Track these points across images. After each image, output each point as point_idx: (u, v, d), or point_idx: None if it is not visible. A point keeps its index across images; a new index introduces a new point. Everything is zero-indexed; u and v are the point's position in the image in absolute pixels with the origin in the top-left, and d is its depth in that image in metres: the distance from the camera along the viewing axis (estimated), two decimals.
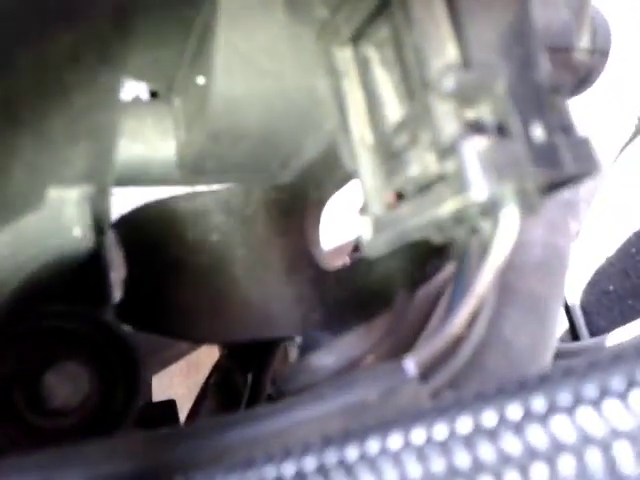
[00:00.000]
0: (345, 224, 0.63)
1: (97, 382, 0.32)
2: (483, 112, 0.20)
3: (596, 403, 0.17)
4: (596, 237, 0.86)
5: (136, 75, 0.30)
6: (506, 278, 0.40)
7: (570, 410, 0.17)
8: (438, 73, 0.19)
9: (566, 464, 0.16)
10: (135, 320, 0.36)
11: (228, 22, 0.25)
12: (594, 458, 0.16)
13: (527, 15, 0.21)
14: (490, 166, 0.19)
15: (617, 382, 0.17)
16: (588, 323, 0.86)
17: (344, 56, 0.24)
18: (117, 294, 0.38)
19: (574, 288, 0.89)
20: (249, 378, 0.54)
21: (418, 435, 0.17)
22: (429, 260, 0.32)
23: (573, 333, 0.87)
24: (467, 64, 0.20)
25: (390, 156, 0.23)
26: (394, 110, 0.23)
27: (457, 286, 0.22)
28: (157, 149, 0.31)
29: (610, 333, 0.73)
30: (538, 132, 0.20)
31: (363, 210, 0.24)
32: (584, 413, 0.17)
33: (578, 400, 0.17)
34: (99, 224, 0.29)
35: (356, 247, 0.58)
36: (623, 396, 0.17)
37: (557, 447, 0.16)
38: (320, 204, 0.39)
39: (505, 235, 0.21)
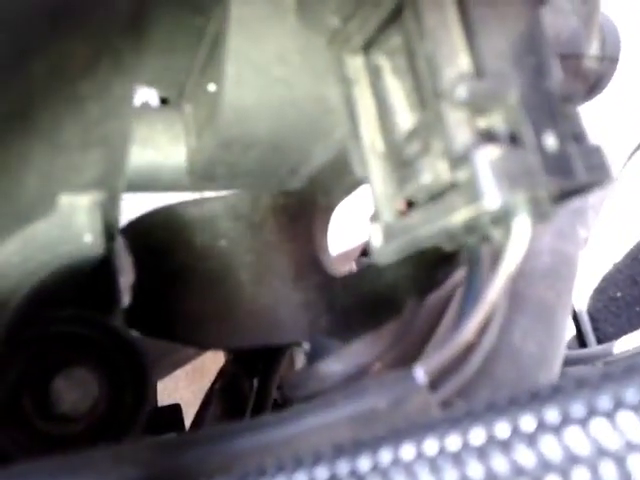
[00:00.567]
0: (353, 229, 0.63)
1: (106, 388, 0.32)
2: (495, 121, 0.20)
3: (610, 415, 0.17)
4: (603, 244, 0.85)
5: (147, 81, 0.30)
6: (516, 285, 0.39)
7: (584, 422, 0.17)
8: (450, 82, 0.19)
9: (580, 476, 0.16)
10: (143, 326, 0.36)
11: (239, 31, 0.25)
12: (608, 471, 0.16)
13: (539, 24, 0.21)
14: (503, 175, 0.19)
15: (631, 394, 0.17)
16: (595, 330, 0.85)
17: (355, 64, 0.24)
18: (125, 299, 0.38)
19: (581, 294, 0.88)
20: (255, 383, 0.54)
21: (431, 446, 0.17)
22: (438, 267, 0.32)
23: (580, 340, 0.87)
24: (480, 73, 0.19)
25: (401, 164, 0.23)
26: (405, 118, 0.23)
27: (468, 293, 0.22)
28: (167, 155, 0.31)
29: (618, 340, 0.72)
30: (550, 141, 0.20)
31: (374, 217, 0.24)
32: (598, 425, 0.17)
33: (592, 412, 0.17)
34: (109, 230, 0.29)
35: (363, 252, 0.58)
36: (637, 408, 0.17)
37: (571, 459, 0.16)
38: (328, 210, 0.39)
39: (517, 243, 0.21)
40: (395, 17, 0.21)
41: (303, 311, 0.38)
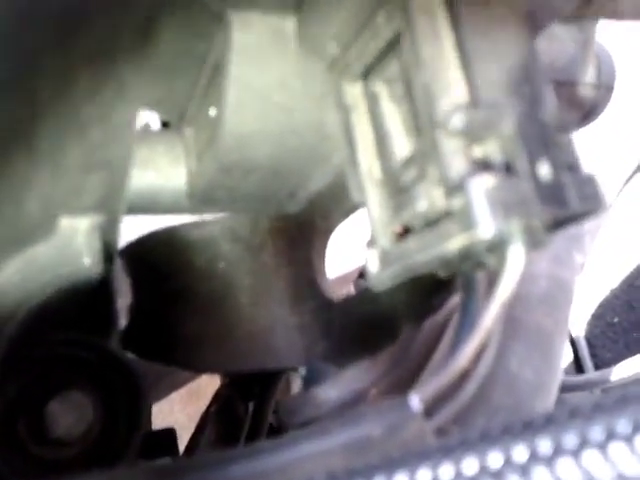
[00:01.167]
0: (350, 252, 0.63)
1: (100, 411, 0.32)
2: (491, 150, 0.21)
3: (602, 446, 0.17)
4: (600, 269, 0.86)
5: (149, 105, 0.31)
6: (512, 311, 0.39)
7: (576, 453, 0.17)
8: (446, 112, 0.20)
9: None
10: (140, 348, 0.36)
11: (241, 57, 0.25)
12: None
13: (533, 53, 0.21)
14: (497, 204, 0.19)
15: (623, 425, 0.17)
16: (593, 355, 0.85)
17: (354, 91, 0.25)
18: (123, 321, 0.38)
19: (579, 320, 0.88)
20: (250, 407, 0.54)
21: (424, 475, 0.17)
22: (434, 293, 0.32)
23: (578, 365, 0.86)
24: (475, 103, 0.20)
25: (398, 190, 0.23)
26: (402, 145, 0.23)
27: (463, 320, 0.22)
28: (168, 178, 0.31)
29: (615, 366, 0.72)
30: (545, 170, 0.20)
31: (370, 243, 0.24)
32: (590, 456, 0.17)
33: (584, 442, 0.17)
34: (108, 252, 0.29)
35: (361, 274, 0.58)
36: (629, 439, 0.17)
37: None
38: (326, 234, 0.39)
39: (512, 272, 0.21)
40: (393, 46, 0.22)
41: (300, 335, 0.38)
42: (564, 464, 0.17)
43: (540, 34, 0.23)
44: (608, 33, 0.43)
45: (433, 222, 0.21)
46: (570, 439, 0.18)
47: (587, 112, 0.41)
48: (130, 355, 0.36)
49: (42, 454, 0.30)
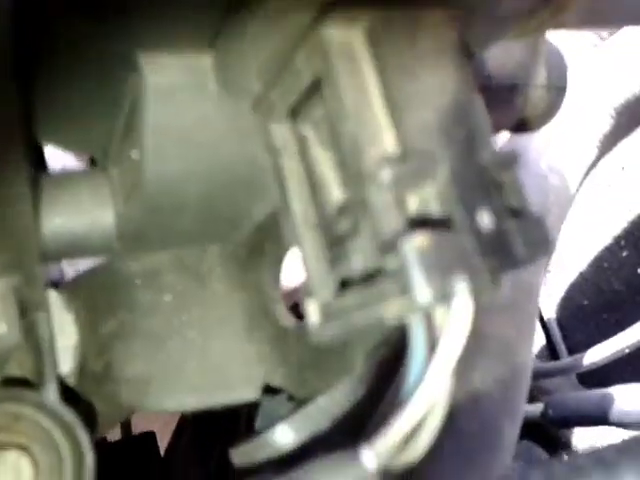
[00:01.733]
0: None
1: (41, 469, 0.30)
2: (428, 197, 0.19)
3: None
4: (569, 252, 0.85)
5: (68, 146, 0.29)
6: (473, 324, 0.38)
7: None
8: (374, 164, 0.18)
9: None
10: (82, 393, 0.34)
11: (155, 99, 0.23)
12: None
13: (468, 90, 0.20)
14: (434, 265, 0.17)
15: None
16: (565, 337, 0.85)
17: (281, 132, 0.23)
18: (67, 364, 0.36)
19: (550, 302, 0.88)
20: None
21: None
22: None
23: (550, 348, 0.87)
24: (405, 152, 0.18)
25: (334, 241, 0.21)
26: (336, 192, 0.21)
27: (405, 382, 0.21)
28: (95, 221, 0.29)
29: (588, 351, 0.72)
30: (485, 220, 0.19)
31: (308, 294, 0.22)
32: None
33: None
34: (32, 306, 0.27)
35: None
36: None
37: None
38: (278, 259, 0.37)
39: (458, 326, 0.19)
40: (316, 88, 0.20)
41: (257, 365, 0.36)
42: None
43: (474, 57, 0.21)
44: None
45: (371, 277, 0.20)
46: None
47: (540, 115, 0.39)
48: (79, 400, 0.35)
49: None
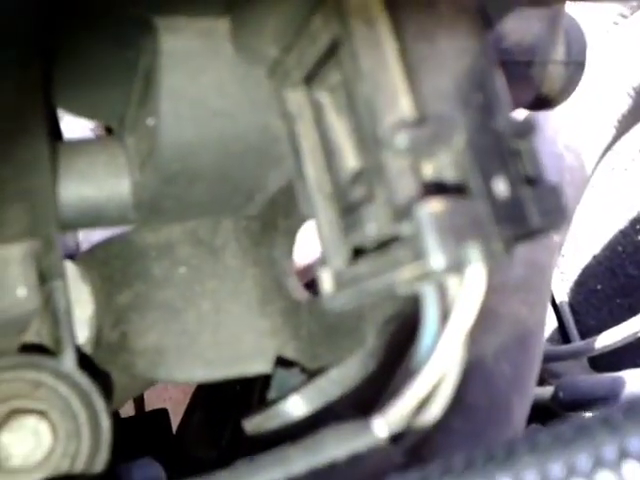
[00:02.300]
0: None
1: (60, 434, 0.31)
2: (443, 164, 0.19)
3: None
4: (582, 235, 0.85)
5: (85, 114, 0.29)
6: (487, 302, 0.38)
7: None
8: (391, 129, 0.18)
9: None
10: (103, 363, 0.34)
11: (171, 64, 0.23)
12: None
13: (487, 57, 0.19)
14: (449, 231, 0.17)
15: (583, 461, 0.16)
16: (577, 322, 0.85)
17: (297, 98, 0.23)
18: (83, 333, 0.37)
19: (562, 287, 0.88)
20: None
21: None
22: (403, 298, 0.31)
23: (562, 332, 0.86)
24: (422, 117, 0.18)
25: (348, 209, 0.21)
26: (351, 159, 0.21)
27: (419, 348, 0.21)
28: (111, 190, 0.30)
29: (600, 335, 0.72)
30: (501, 187, 0.18)
31: (322, 262, 0.23)
32: None
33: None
34: (50, 273, 0.27)
35: None
36: (589, 477, 0.16)
37: None
38: (291, 233, 0.37)
39: (472, 294, 0.19)
40: (332, 53, 0.20)
41: (269, 338, 0.37)
42: None
43: (492, 28, 0.21)
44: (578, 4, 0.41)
45: (385, 245, 0.20)
46: (530, 476, 0.17)
47: (559, 90, 0.39)
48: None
49: None
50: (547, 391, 0.68)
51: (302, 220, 0.37)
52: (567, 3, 0.38)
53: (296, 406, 0.30)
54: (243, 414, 0.45)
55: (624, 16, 0.51)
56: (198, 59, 0.23)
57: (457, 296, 0.19)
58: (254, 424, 0.31)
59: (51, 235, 0.25)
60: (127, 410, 0.65)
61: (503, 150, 0.19)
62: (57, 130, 0.31)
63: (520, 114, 0.46)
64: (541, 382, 0.76)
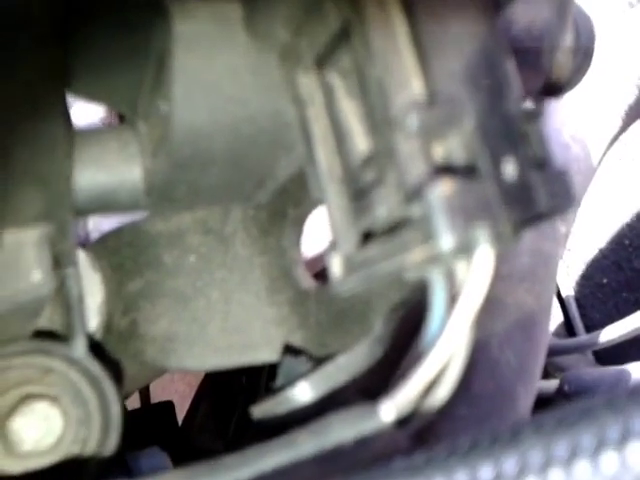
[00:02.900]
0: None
1: (71, 420, 0.31)
2: (453, 146, 0.19)
3: (567, 464, 0.16)
4: (588, 229, 0.85)
5: (97, 99, 0.29)
6: (492, 291, 0.38)
7: (541, 471, 0.16)
8: (402, 110, 0.18)
9: None
10: (109, 351, 0.35)
11: (184, 48, 0.23)
12: None
13: (497, 41, 0.19)
14: (458, 212, 0.17)
15: (587, 441, 0.16)
16: (583, 316, 0.85)
17: (308, 82, 0.23)
18: (94, 321, 0.37)
19: (568, 280, 0.88)
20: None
21: None
22: (410, 285, 0.31)
23: (568, 326, 0.86)
24: (433, 99, 0.18)
25: (358, 193, 0.21)
26: (362, 142, 0.21)
27: (427, 331, 0.21)
28: (123, 176, 0.30)
29: (605, 328, 0.72)
30: (510, 170, 0.19)
31: (332, 246, 0.23)
32: (555, 475, 0.16)
33: (548, 461, 0.16)
34: (63, 259, 0.28)
35: None
36: (593, 457, 0.16)
37: None
38: (299, 222, 0.37)
39: (480, 277, 0.20)
40: (344, 36, 0.20)
41: (277, 327, 0.37)
42: None
43: (503, 11, 0.21)
44: None
45: (394, 229, 0.20)
46: (535, 456, 0.17)
47: (567, 78, 0.39)
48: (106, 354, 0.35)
49: (9, 467, 0.29)
50: (552, 384, 0.69)
51: (310, 209, 0.38)
52: None
53: (304, 392, 0.30)
54: (250, 404, 0.46)
55: (632, 5, 0.51)
56: (211, 44, 0.23)
57: (465, 278, 0.19)
58: (262, 410, 0.32)
59: (66, 220, 0.25)
60: (133, 403, 0.65)
61: (512, 133, 0.19)
62: (68, 117, 0.31)
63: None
64: (546, 375, 0.76)
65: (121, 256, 0.36)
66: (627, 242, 0.80)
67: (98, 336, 0.36)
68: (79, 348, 0.31)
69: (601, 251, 0.83)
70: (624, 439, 0.16)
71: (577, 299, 0.86)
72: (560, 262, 0.48)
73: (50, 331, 0.31)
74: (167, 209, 0.33)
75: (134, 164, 0.30)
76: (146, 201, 0.31)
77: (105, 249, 0.36)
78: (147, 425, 0.57)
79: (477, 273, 0.19)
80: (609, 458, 0.16)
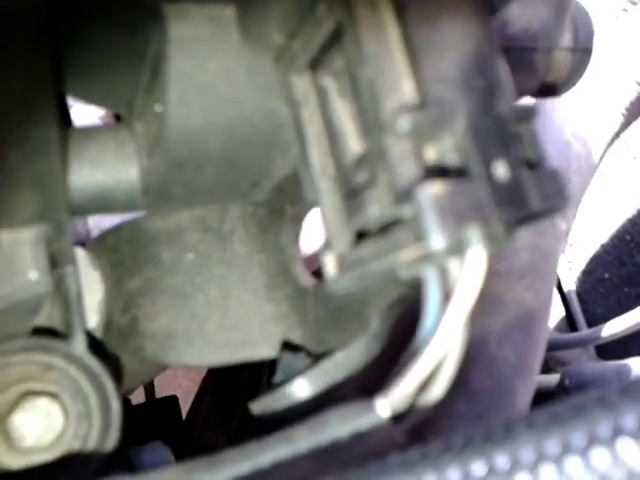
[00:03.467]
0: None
1: (71, 416, 0.31)
2: (445, 148, 0.19)
3: (558, 460, 0.16)
4: (590, 224, 0.85)
5: (95, 101, 0.29)
6: (492, 287, 0.38)
7: (532, 467, 0.17)
8: (393, 113, 0.18)
9: None
10: (109, 348, 0.35)
11: (180, 51, 0.23)
12: None
13: (489, 42, 0.20)
14: (449, 213, 0.18)
15: (578, 437, 0.17)
16: (584, 311, 0.85)
17: (302, 84, 0.23)
18: (94, 318, 0.37)
19: (570, 275, 0.88)
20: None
21: None
22: (407, 282, 0.31)
23: (570, 321, 0.86)
24: (424, 101, 0.18)
25: (351, 193, 0.22)
26: (354, 143, 0.22)
27: (421, 329, 0.21)
28: (120, 176, 0.30)
29: (607, 323, 0.72)
30: (501, 170, 0.19)
31: (326, 246, 0.23)
32: (546, 470, 0.16)
33: (540, 457, 0.17)
34: (60, 258, 0.28)
35: None
36: (584, 453, 0.16)
37: None
38: (297, 220, 0.38)
39: (472, 277, 0.20)
40: (337, 38, 0.20)
41: (275, 324, 0.37)
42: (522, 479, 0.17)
43: (496, 13, 0.21)
44: None
45: (387, 228, 0.20)
46: (527, 453, 0.17)
47: (565, 77, 0.39)
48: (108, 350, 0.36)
49: (11, 463, 0.30)
50: (553, 379, 0.69)
51: (309, 207, 0.38)
52: None
53: (302, 388, 0.30)
54: (251, 400, 0.46)
55: (633, 3, 0.50)
56: (206, 46, 0.23)
57: (458, 278, 0.19)
58: (261, 406, 0.32)
59: (62, 220, 0.26)
60: (138, 398, 0.66)
61: (504, 134, 0.19)
62: (67, 117, 0.31)
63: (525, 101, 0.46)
64: (548, 370, 0.76)
65: (120, 254, 0.36)
66: (629, 238, 0.80)
67: (98, 333, 0.36)
68: (78, 345, 0.32)
69: (603, 246, 0.83)
70: (615, 436, 0.17)
71: (579, 294, 0.86)
72: (562, 257, 0.48)
73: (50, 328, 0.31)
74: (164, 208, 0.34)
75: (131, 164, 0.30)
76: (142, 200, 0.32)
77: (104, 247, 0.36)
78: (151, 419, 0.57)
79: (469, 273, 0.20)
80: (600, 454, 0.17)
